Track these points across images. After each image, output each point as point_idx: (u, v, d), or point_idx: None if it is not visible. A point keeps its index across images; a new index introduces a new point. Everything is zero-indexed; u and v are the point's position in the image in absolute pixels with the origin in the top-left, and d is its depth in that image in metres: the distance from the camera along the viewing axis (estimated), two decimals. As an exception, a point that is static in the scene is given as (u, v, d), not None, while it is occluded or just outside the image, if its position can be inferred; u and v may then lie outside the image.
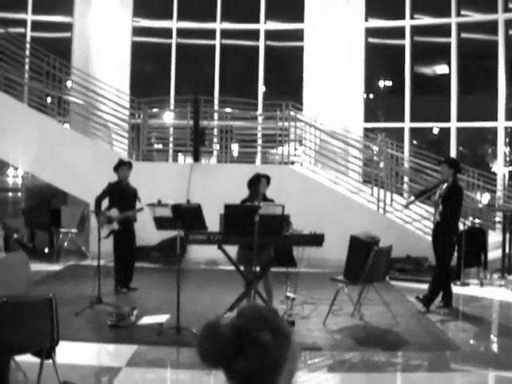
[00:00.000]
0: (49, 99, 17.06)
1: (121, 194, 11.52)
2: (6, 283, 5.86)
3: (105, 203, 11.50)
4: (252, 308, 2.20)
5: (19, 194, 18.71)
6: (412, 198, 10.72)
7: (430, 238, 14.54)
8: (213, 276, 13.48)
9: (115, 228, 11.32)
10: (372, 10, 19.17)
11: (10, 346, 5.83)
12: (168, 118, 18.99)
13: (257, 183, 9.90)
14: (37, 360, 5.99)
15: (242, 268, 9.62)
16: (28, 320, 5.87)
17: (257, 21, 19.43)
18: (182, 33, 19.69)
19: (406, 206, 11.09)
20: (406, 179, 17.24)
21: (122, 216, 11.36)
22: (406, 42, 18.99)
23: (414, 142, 19.56)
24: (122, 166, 11.77)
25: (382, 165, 16.24)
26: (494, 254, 14.39)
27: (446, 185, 10.73)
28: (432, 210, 15.74)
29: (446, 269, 10.79)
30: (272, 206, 9.20)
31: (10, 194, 18.93)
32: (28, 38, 18.48)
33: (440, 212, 10.71)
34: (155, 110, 18.33)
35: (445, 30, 18.73)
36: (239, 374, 2.06)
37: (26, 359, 6.24)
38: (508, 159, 18.90)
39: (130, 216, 11.48)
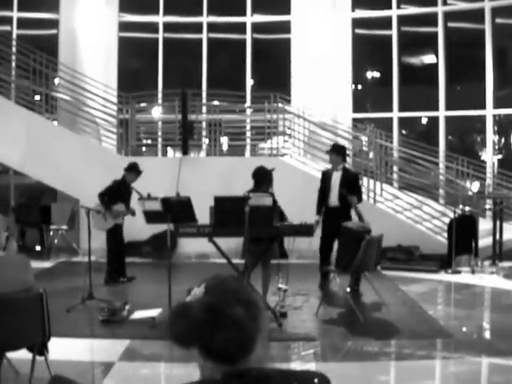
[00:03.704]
0: (37, 96, 16.99)
1: (125, 192, 11.76)
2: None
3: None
4: (219, 282, 2.17)
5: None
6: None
7: (421, 227, 14.69)
8: (204, 269, 13.42)
9: (121, 222, 11.70)
10: (358, 0, 19.15)
11: (1, 342, 5.81)
12: (156, 112, 18.94)
13: (263, 178, 9.88)
14: (29, 356, 5.97)
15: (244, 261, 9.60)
16: (19, 316, 5.84)
17: (243, 13, 19.40)
18: (168, 27, 19.65)
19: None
20: (395, 169, 17.27)
21: (128, 212, 11.72)
22: (393, 32, 18.99)
23: (403, 131, 19.58)
24: (135, 172, 11.97)
25: (371, 155, 16.23)
26: (484, 241, 14.42)
27: (340, 171, 11.18)
28: (421, 198, 15.86)
29: None
30: (262, 196, 9.17)
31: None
32: (14, 36, 18.41)
33: (341, 196, 11.01)
34: (143, 104, 18.26)
35: (431, 20, 18.75)
36: (216, 352, 2.06)
37: (18, 356, 6.21)
38: (497, 147, 18.94)
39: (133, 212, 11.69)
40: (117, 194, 11.66)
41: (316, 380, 2.15)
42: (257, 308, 2.11)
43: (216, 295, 2.09)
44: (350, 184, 11.09)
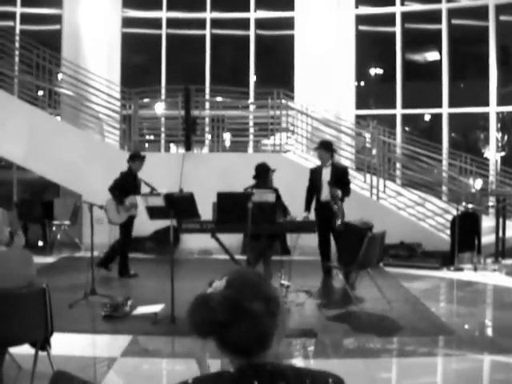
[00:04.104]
0: (40, 92, 17.00)
1: (134, 183, 11.85)
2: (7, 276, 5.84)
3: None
4: (241, 276, 2.20)
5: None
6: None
7: (423, 224, 14.68)
8: (206, 265, 13.45)
9: (135, 214, 11.65)
10: (362, -4, 19.18)
11: (4, 337, 5.81)
12: (159, 108, 18.93)
13: (265, 175, 10.25)
14: (31, 352, 5.97)
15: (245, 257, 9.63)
16: (21, 311, 5.84)
17: (247, 9, 19.37)
18: (171, 23, 19.63)
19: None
20: (398, 165, 17.25)
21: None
22: (397, 28, 18.96)
23: (406, 128, 19.56)
24: (138, 160, 12.00)
25: (374, 152, 16.22)
26: (487, 238, 14.41)
27: (329, 167, 11.34)
28: (424, 195, 15.84)
29: None
30: (265, 192, 9.19)
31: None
32: (17, 31, 18.40)
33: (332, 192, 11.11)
34: (146, 100, 18.27)
35: (435, 17, 18.71)
36: (232, 344, 2.09)
37: (21, 351, 6.22)
38: (500, 144, 18.91)
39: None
40: (126, 186, 11.72)
41: (330, 380, 2.17)
42: (276, 305, 2.14)
43: (236, 289, 2.12)
44: (340, 178, 11.23)
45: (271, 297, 2.14)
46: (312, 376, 2.16)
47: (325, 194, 11.26)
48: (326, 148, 11.45)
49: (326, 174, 11.28)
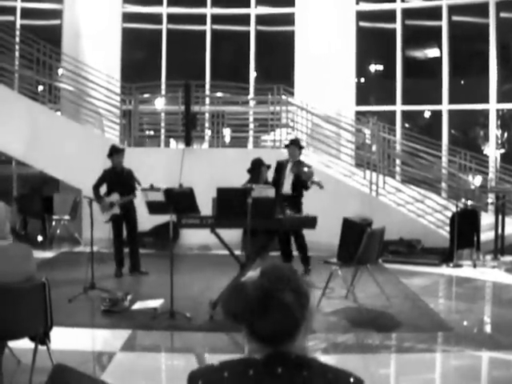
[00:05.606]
0: (40, 87, 17.00)
1: (118, 179, 11.65)
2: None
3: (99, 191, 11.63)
4: (274, 267, 2.30)
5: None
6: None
7: (423, 221, 14.68)
8: (206, 260, 13.48)
9: (117, 212, 11.49)
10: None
11: (4, 331, 5.82)
12: (159, 103, 18.93)
13: (258, 170, 10.65)
14: (31, 346, 5.98)
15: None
16: (21, 306, 5.85)
17: (247, 5, 19.37)
18: (172, 18, 19.63)
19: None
20: (398, 162, 17.26)
21: (123, 200, 11.49)
22: (397, 25, 18.96)
23: (406, 125, 19.56)
24: (115, 153, 11.84)
25: (374, 148, 16.22)
26: (486, 235, 14.42)
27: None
28: (424, 192, 15.85)
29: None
30: (264, 188, 9.20)
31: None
32: (18, 26, 18.39)
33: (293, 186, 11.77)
34: (146, 95, 18.27)
35: (436, 13, 18.70)
36: (261, 332, 2.20)
37: (20, 345, 6.23)
38: (500, 141, 18.92)
39: (131, 199, 11.60)
40: (111, 183, 11.67)
41: (352, 380, 2.26)
42: (306, 298, 2.25)
43: (270, 279, 2.23)
44: None
45: (302, 290, 2.24)
46: (334, 372, 2.26)
47: (287, 187, 11.77)
48: (297, 145, 12.09)
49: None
